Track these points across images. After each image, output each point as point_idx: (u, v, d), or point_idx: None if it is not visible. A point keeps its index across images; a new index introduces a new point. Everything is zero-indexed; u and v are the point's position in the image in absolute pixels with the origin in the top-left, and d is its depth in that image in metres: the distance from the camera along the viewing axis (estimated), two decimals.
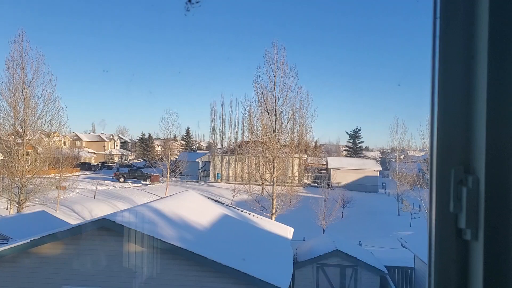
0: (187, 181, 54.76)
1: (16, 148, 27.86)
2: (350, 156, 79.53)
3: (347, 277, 14.20)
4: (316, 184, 53.28)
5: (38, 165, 29.09)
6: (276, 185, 28.73)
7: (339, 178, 54.10)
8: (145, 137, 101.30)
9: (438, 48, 0.75)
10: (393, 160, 54.07)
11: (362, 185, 53.78)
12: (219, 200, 21.46)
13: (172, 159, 52.12)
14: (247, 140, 48.81)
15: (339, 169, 56.36)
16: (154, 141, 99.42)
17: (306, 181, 56.64)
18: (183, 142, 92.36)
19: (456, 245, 0.76)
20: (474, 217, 0.73)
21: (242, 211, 18.29)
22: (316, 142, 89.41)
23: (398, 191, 42.34)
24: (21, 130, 28.20)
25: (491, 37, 0.70)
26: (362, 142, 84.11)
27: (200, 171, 60.86)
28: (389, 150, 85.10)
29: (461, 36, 0.74)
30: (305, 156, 58.05)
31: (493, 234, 0.72)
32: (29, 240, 10.15)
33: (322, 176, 56.32)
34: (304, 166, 54.18)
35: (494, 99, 0.71)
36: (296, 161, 51.61)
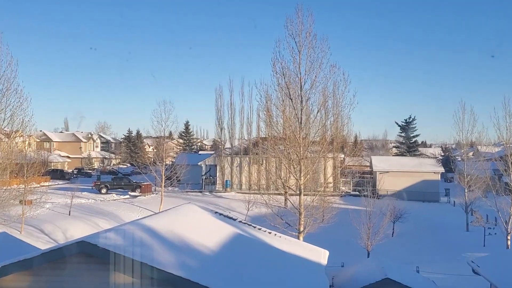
0: (187, 191, 55.09)
1: None
2: (401, 154, 78.95)
3: None
4: (357, 193, 53.03)
5: None
6: (304, 195, 28.63)
7: (388, 184, 53.71)
8: (133, 135, 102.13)
9: None
10: (459, 159, 53.52)
11: (419, 193, 53.33)
12: (229, 215, 21.50)
13: (167, 162, 52.41)
14: (264, 136, 48.72)
15: (387, 172, 55.98)
16: (144, 140, 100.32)
17: (343, 188, 56.45)
18: (181, 140, 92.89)
19: None
20: None
21: (259, 229, 18.30)
22: (356, 137, 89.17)
23: (467, 200, 41.78)
24: None
25: None
26: (417, 135, 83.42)
27: (204, 177, 61.15)
28: (453, 146, 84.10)
29: None
30: (342, 155, 57.85)
31: None
32: None
33: (364, 181, 56.09)
34: (340, 168, 53.96)
35: None
36: (330, 163, 51.40)
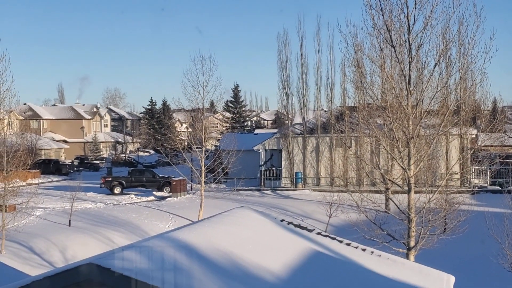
0: (238, 190, 55.16)
1: None
2: None
3: None
4: (499, 187, 52.18)
5: None
6: (416, 192, 28.41)
7: None
8: (157, 107, 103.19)
9: None
10: None
11: None
12: (302, 224, 21.59)
13: (209, 147, 52.94)
14: (353, 105, 48.44)
15: None
16: (174, 114, 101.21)
17: (476, 181, 55.64)
18: (228, 114, 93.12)
19: None
20: None
21: (348, 244, 18.32)
22: (495, 102, 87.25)
23: None
24: None
25: None
26: None
27: (264, 169, 61.31)
28: None
29: None
30: (474, 131, 56.80)
31: None
32: None
33: (510, 169, 55.10)
34: (472, 151, 53.06)
35: None
36: (455, 143, 50.55)
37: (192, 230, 14.81)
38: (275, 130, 73.09)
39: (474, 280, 23.76)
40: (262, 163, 61.70)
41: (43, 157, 77.03)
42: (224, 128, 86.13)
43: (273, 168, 61.71)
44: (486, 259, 30.54)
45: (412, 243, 27.36)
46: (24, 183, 43.53)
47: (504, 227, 30.61)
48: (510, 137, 66.45)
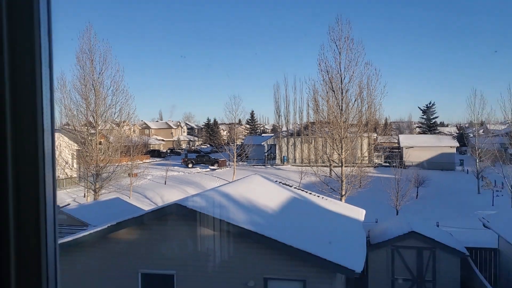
0: (253, 165, 55.44)
1: (89, 138, 29.54)
2: (423, 132, 76.59)
3: (424, 260, 13.77)
4: (388, 164, 51.90)
5: (110, 153, 30.64)
6: (345, 166, 28.27)
7: (412, 157, 52.32)
8: (211, 122, 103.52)
9: None
10: (472, 135, 51.35)
11: (438, 163, 51.64)
12: (287, 183, 21.52)
13: (237, 143, 52.93)
14: (312, 121, 48.29)
15: (412, 147, 54.46)
16: (220, 126, 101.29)
17: (376, 161, 55.30)
18: (248, 126, 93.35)
19: None
20: None
21: (311, 193, 18.24)
22: (386, 120, 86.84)
23: (478, 168, 40.22)
24: (93, 120, 29.81)
25: None
26: (436, 117, 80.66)
27: (266, 154, 61.30)
28: (466, 125, 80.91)
29: None
30: (375, 135, 56.59)
31: None
32: (106, 226, 10.76)
33: (393, 155, 54.72)
34: (374, 145, 52.81)
35: None
36: (365, 141, 50.40)
37: (229, 186, 14.77)
38: (272, 134, 72.55)
39: (375, 212, 23.60)
40: (266, 151, 61.64)
41: (151, 148, 76.85)
42: (246, 133, 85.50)
43: (271, 154, 61.48)
44: (382, 201, 30.41)
45: (343, 193, 27.23)
46: (141, 162, 43.56)
47: (390, 185, 30.46)
48: (394, 138, 65.84)
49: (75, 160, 33.32)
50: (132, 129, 48.98)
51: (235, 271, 10.52)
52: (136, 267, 10.82)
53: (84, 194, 32.02)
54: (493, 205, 32.44)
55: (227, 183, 17.20)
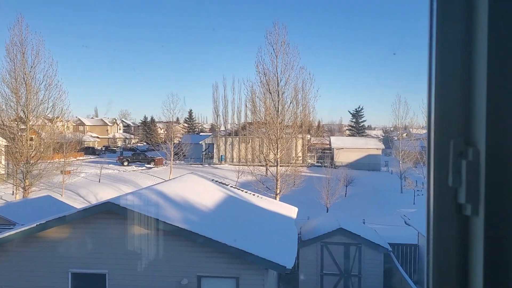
0: (191, 164, 54.85)
1: (19, 133, 27.89)
2: (353, 135, 79.51)
3: (351, 255, 14.30)
4: (320, 164, 53.30)
5: (42, 150, 29.14)
6: (280, 166, 28.72)
7: (342, 157, 54.11)
8: (148, 120, 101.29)
9: (436, 15, 0.70)
10: (396, 138, 54.04)
11: (365, 164, 53.80)
12: (223, 182, 21.52)
13: (175, 142, 52.17)
14: (250, 121, 48.66)
15: (342, 148, 56.31)
16: (157, 124, 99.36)
17: (309, 161, 56.68)
18: (186, 124, 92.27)
19: (456, 221, 0.72)
20: (474, 192, 0.69)
21: (246, 192, 18.35)
22: (319, 122, 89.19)
23: (401, 169, 42.36)
24: (24, 115, 28.18)
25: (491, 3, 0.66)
26: (364, 121, 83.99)
27: (204, 153, 60.91)
28: (391, 129, 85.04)
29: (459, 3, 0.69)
30: (308, 136, 57.97)
31: (494, 209, 0.68)
32: (35, 225, 10.22)
33: (325, 155, 56.33)
34: (307, 146, 54.14)
35: (495, 67, 0.67)
36: (300, 142, 51.48)
37: (164, 184, 14.53)
38: (210, 133, 72.02)
39: (307, 209, 24.14)
40: (203, 150, 61.14)
41: (85, 145, 73.79)
42: (184, 132, 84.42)
43: (209, 153, 61.05)
44: (314, 199, 31.19)
45: (278, 191, 27.64)
46: (74, 159, 41.73)
47: (322, 184, 31.33)
48: (326, 139, 67.69)
49: (3, 156, 31.35)
50: (65, 126, 46.84)
51: (168, 269, 10.36)
52: (66, 267, 10.38)
53: (13, 191, 30.20)
54: (414, 203, 34.29)
55: (163, 182, 16.91)
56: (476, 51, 0.69)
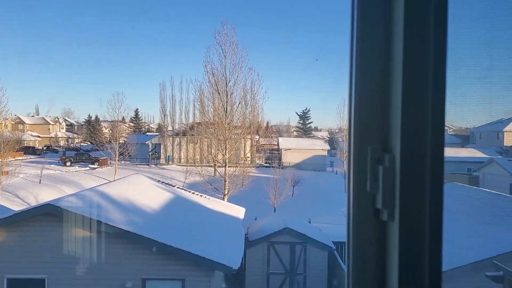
0: (137, 164, 53.58)
1: None
2: (300, 136, 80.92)
3: (296, 254, 14.52)
4: (268, 164, 53.71)
5: None
6: (228, 166, 28.71)
7: (290, 158, 54.84)
8: (92, 119, 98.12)
9: (356, 27, 0.72)
10: (341, 140, 55.56)
11: (312, 164, 54.84)
12: (170, 182, 21.21)
13: (120, 141, 50.89)
14: (198, 121, 48.30)
15: (289, 149, 57.10)
16: (102, 123, 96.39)
17: (258, 161, 57.00)
18: (132, 124, 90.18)
19: (374, 226, 0.74)
20: (390, 197, 0.71)
21: (193, 193, 18.18)
22: (267, 123, 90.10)
23: (345, 169, 43.52)
24: None
25: (406, 16, 0.68)
26: (311, 122, 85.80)
27: (151, 153, 59.75)
28: (336, 130, 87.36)
29: (379, 14, 0.71)
30: (257, 137, 58.37)
31: (408, 214, 0.71)
32: None
33: (273, 156, 56.83)
34: (256, 146, 54.46)
35: (409, 75, 0.69)
36: (248, 142, 51.71)
37: (108, 185, 14.12)
38: (157, 133, 70.80)
39: (255, 210, 24.26)
40: (150, 150, 60.06)
41: (25, 145, 70.39)
42: (129, 131, 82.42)
43: (156, 153, 59.99)
44: (262, 199, 31.41)
45: (226, 192, 27.61)
46: (13, 159, 39.71)
47: (269, 184, 31.63)
48: (274, 140, 68.38)
49: None
50: (3, 124, 44.42)
51: (112, 272, 10.08)
52: (2, 273, 9.85)
53: None
54: None
55: (107, 183, 16.44)
56: (392, 61, 0.71)
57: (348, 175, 0.79)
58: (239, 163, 32.83)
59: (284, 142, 60.20)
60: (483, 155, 33.40)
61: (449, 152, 35.32)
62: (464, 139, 42.91)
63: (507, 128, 36.59)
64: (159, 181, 18.85)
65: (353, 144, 0.75)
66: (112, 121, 55.62)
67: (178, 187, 18.76)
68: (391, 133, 0.72)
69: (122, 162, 51.24)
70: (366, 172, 0.74)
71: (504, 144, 36.64)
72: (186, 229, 11.98)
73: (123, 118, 66.79)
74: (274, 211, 29.96)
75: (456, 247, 10.68)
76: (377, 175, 0.73)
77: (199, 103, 34.31)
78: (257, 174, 42.33)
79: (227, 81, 28.01)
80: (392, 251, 0.72)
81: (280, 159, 54.18)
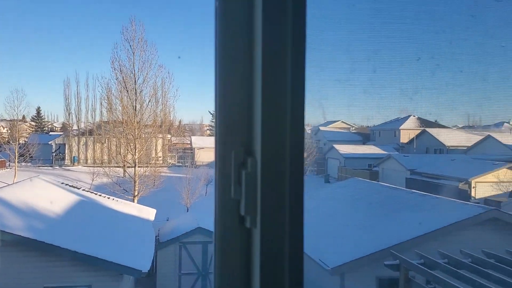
0: (39, 166, 50.06)
1: None
2: (213, 135, 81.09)
3: (209, 253, 14.49)
4: (181, 164, 53.11)
5: None
6: (139, 167, 27.90)
7: (203, 157, 54.66)
8: None
9: (219, 30, 0.71)
10: None
11: None
12: (75, 185, 20.09)
13: (21, 142, 47.24)
14: (106, 120, 46.33)
15: (203, 148, 56.91)
16: None
17: (170, 161, 56.11)
18: (33, 123, 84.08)
19: (239, 234, 0.73)
20: (252, 203, 0.69)
21: (100, 195, 17.42)
22: (180, 121, 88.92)
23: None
24: None
25: (265, 19, 0.68)
26: None
27: (54, 154, 56.21)
28: None
29: (240, 17, 0.70)
30: (169, 136, 57.39)
31: (269, 221, 0.69)
32: None
33: (186, 155, 56.36)
34: (168, 146, 53.53)
35: (269, 78, 0.68)
36: (160, 141, 50.64)
37: (5, 189, 13.03)
38: (62, 133, 66.93)
39: (167, 210, 23.87)
40: (54, 151, 56.53)
41: None
42: (31, 131, 76.89)
43: (60, 154, 56.64)
44: (174, 200, 30.96)
45: (136, 193, 26.87)
46: None
47: (182, 183, 31.29)
48: (187, 139, 67.81)
49: None
50: None
51: (11, 282, 9.33)
52: None
53: None
54: None
55: (4, 186, 15.17)
56: (254, 63, 0.70)
57: (215, 181, 0.77)
58: (150, 163, 32.06)
59: (197, 141, 59.85)
60: (382, 152, 35.87)
61: (351, 149, 37.49)
62: (365, 136, 45.73)
63: (403, 126, 39.65)
64: (62, 183, 17.78)
65: (218, 148, 0.73)
66: (11, 120, 51.42)
67: (83, 190, 17.85)
68: (255, 136, 0.71)
69: (23, 164, 47.61)
70: (230, 177, 0.72)
71: (401, 141, 39.65)
72: (92, 233, 11.42)
73: (24, 117, 61.77)
74: (187, 211, 29.64)
75: (358, 239, 11.35)
76: (240, 180, 0.71)
77: (106, 101, 32.84)
78: (169, 174, 41.57)
79: (136, 79, 27.19)
80: (256, 258, 0.71)
81: (193, 158, 53.78)
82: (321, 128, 45.74)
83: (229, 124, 0.72)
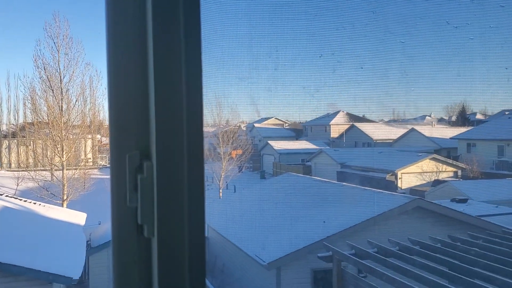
0: None
1: None
2: None
3: None
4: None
5: None
6: (67, 169, 26.66)
7: None
8: None
9: (110, 26, 0.66)
10: None
11: None
12: None
13: None
14: (30, 121, 43.75)
15: None
16: None
17: (101, 162, 54.07)
18: None
19: (138, 244, 0.67)
20: (149, 211, 0.64)
21: (26, 201, 16.42)
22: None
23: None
24: None
25: (155, 16, 0.64)
26: None
27: None
28: None
29: (131, 13, 0.66)
30: (99, 136, 55.24)
31: (167, 229, 0.66)
32: None
33: None
34: (98, 147, 51.53)
35: (162, 77, 0.63)
36: (89, 142, 48.60)
37: None
38: None
39: (100, 214, 22.97)
40: None
41: None
42: None
43: None
44: (107, 203, 29.76)
45: (65, 197, 25.74)
46: None
47: None
48: None
49: None
50: None
51: None
52: None
53: None
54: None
55: None
56: (147, 60, 0.65)
57: (111, 188, 0.71)
58: (79, 165, 30.79)
59: None
60: (314, 147, 36.87)
61: (285, 145, 38.19)
62: (298, 132, 46.76)
63: (333, 121, 41.01)
64: None
65: (112, 151, 0.68)
66: None
67: (6, 196, 16.73)
68: (150, 137, 0.66)
69: None
70: (125, 183, 0.67)
71: (331, 136, 40.97)
72: (17, 242, 10.73)
73: None
74: None
75: (292, 233, 11.57)
76: (136, 187, 0.66)
77: (30, 101, 30.98)
78: (100, 176, 40.01)
79: (62, 77, 25.88)
80: (154, 269, 0.66)
81: None
82: (256, 125, 46.15)
83: (123, 125, 0.66)
